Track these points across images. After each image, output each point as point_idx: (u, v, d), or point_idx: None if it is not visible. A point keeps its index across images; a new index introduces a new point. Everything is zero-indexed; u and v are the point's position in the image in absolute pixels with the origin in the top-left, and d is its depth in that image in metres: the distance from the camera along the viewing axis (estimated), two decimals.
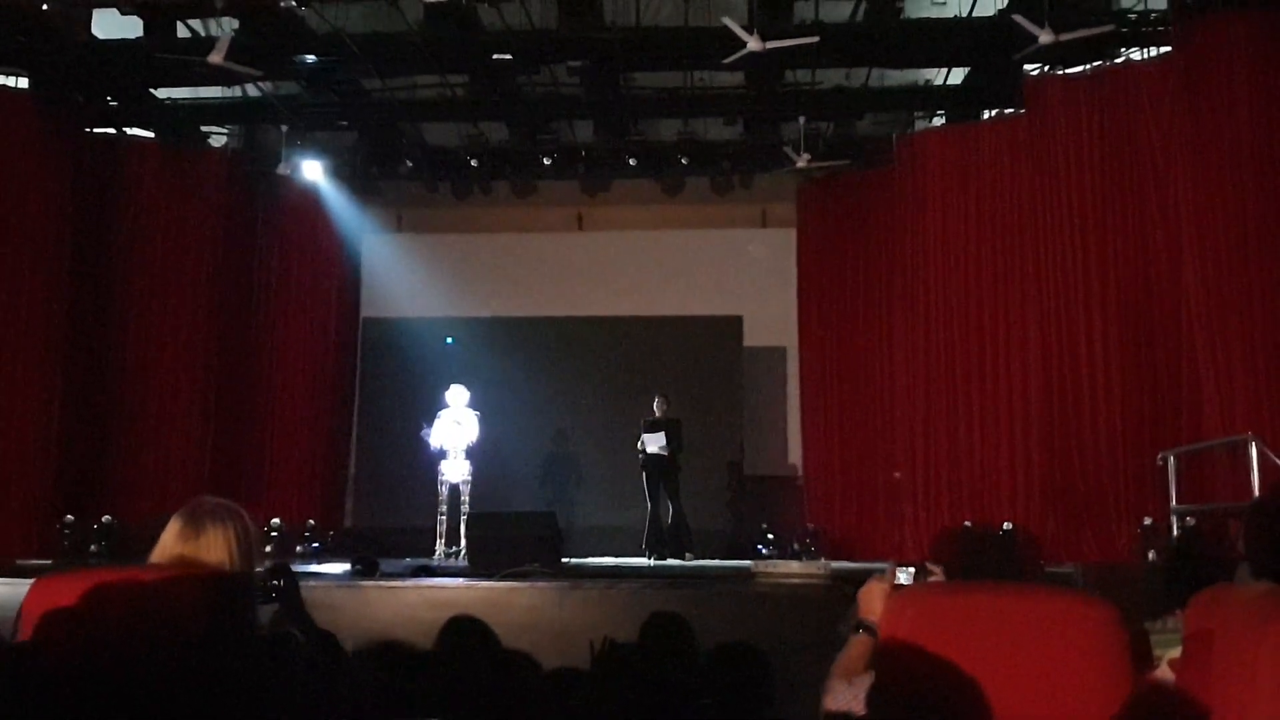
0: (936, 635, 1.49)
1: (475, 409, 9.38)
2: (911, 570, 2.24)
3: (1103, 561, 8.04)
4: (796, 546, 10.36)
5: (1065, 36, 8.09)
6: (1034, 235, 9.34)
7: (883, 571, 2.23)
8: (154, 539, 2.30)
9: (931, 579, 2.24)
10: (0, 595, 5.35)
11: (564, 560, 8.28)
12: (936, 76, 10.34)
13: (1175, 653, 1.84)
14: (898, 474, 10.15)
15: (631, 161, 11.18)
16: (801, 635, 5.07)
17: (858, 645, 2.07)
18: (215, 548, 2.23)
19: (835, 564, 7.85)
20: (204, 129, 11.31)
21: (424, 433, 9.24)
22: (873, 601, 2.12)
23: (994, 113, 10.31)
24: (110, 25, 9.25)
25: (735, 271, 11.91)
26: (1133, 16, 8.70)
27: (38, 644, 1.84)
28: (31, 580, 1.96)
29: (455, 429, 9.30)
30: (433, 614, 4.77)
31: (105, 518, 9.64)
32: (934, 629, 1.50)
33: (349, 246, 12.23)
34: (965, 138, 10.16)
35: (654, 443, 9.54)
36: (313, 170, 11.18)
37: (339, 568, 7.89)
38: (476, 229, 12.30)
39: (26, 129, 9.63)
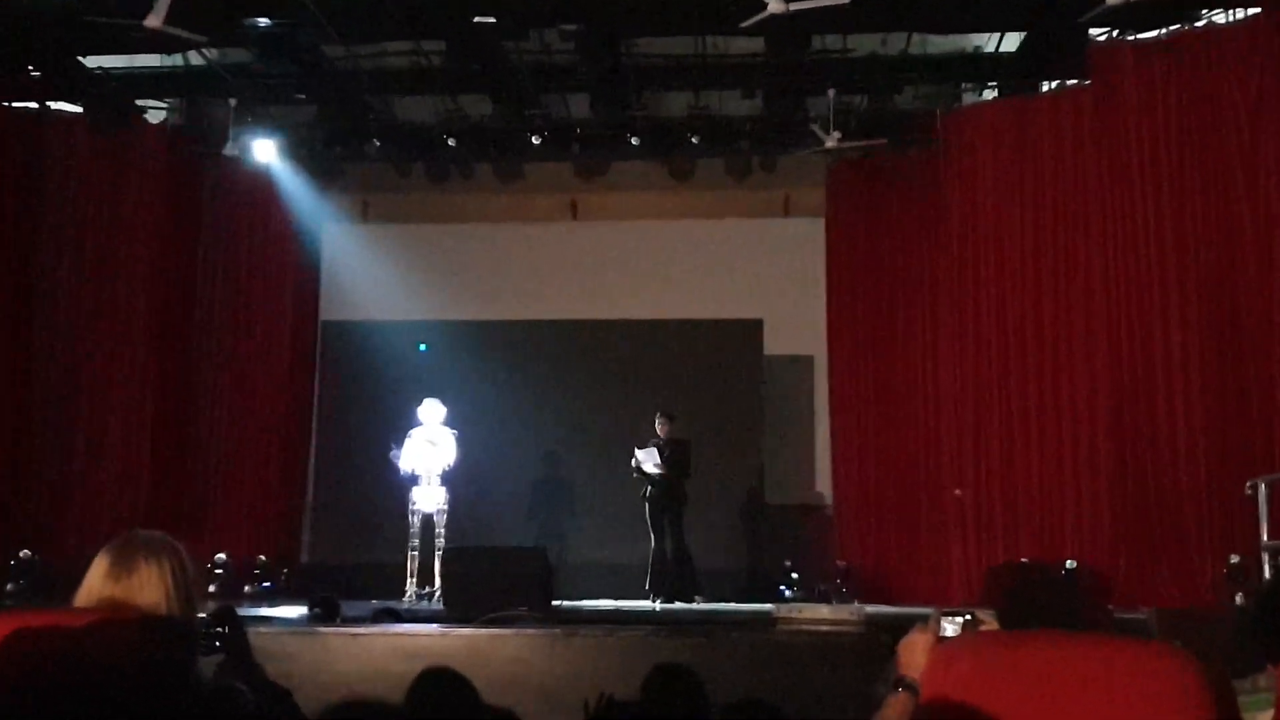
0: (988, 694, 1.48)
1: (452, 427, 9.38)
2: (960, 620, 2.23)
3: (1182, 606, 8.01)
4: (825, 588, 10.33)
5: None
6: (1101, 226, 9.33)
7: (925, 619, 2.22)
8: (79, 578, 2.29)
9: (983, 628, 2.23)
10: None
11: (555, 603, 8.26)
12: (988, 42, 10.35)
13: (1267, 716, 1.83)
14: (958, 491, 10.11)
15: (634, 141, 11.18)
16: (831, 693, 5.05)
17: (897, 706, 2.06)
18: (149, 588, 2.22)
19: (870, 609, 7.82)
20: (140, 103, 11.33)
21: (393, 455, 9.24)
22: (914, 655, 2.11)
23: (1055, 84, 10.32)
24: None
25: (754, 268, 11.91)
26: None
27: None
28: None
29: (429, 450, 9.30)
30: (402, 665, 4.75)
31: (23, 553, 9.63)
32: (985, 687, 1.49)
33: (307, 239, 12.25)
34: (1021, 113, 10.16)
35: (648, 460, 9.54)
36: (265, 150, 11.20)
37: (294, 611, 7.88)
38: (454, 219, 12.30)
39: None
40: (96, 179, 10.82)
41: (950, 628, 2.22)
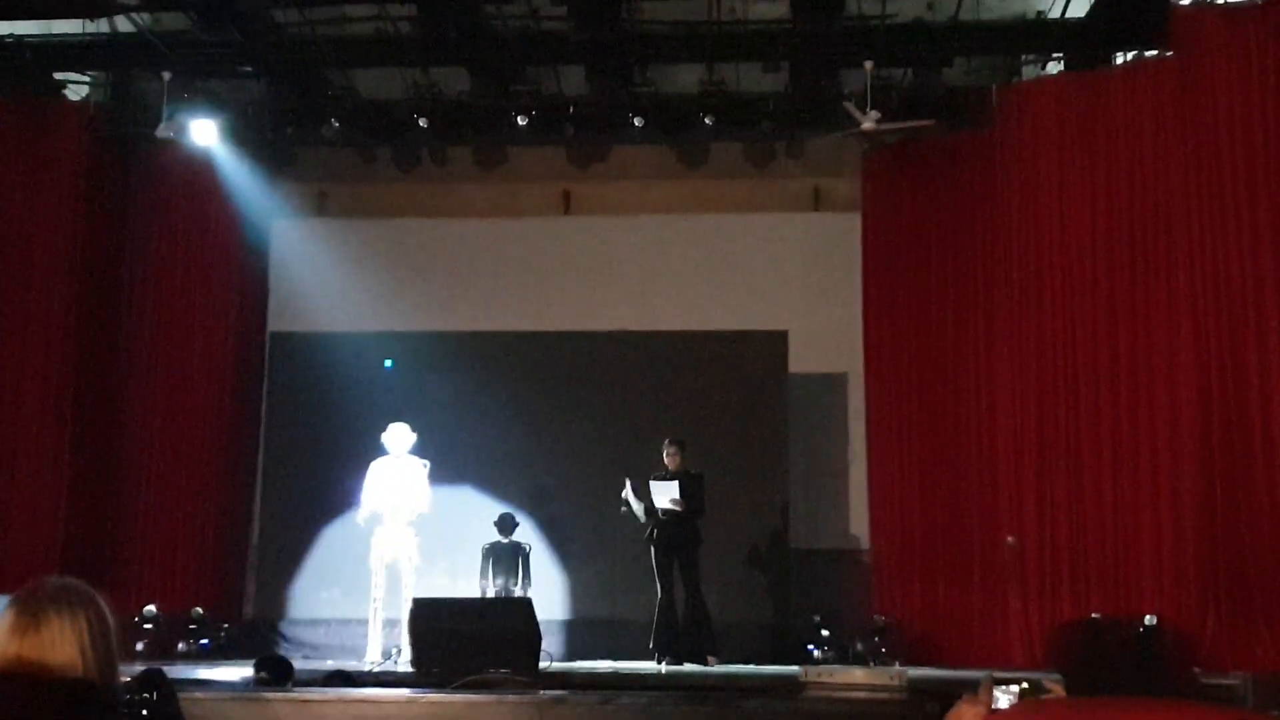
0: None
1: (423, 457, 9.38)
2: (1016, 690, 2.23)
3: None
4: (861, 647, 10.31)
5: None
6: (1186, 221, 9.33)
7: (976, 688, 2.22)
8: None
9: (1047, 698, 2.23)
10: None
11: (543, 665, 8.25)
12: (1052, 7, 10.38)
13: None
14: (1011, 539, 10.11)
15: (637, 121, 11.20)
16: None
17: None
18: (60, 645, 2.22)
19: (914, 672, 7.81)
20: (59, 76, 11.38)
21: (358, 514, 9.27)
22: None
23: (1130, 55, 10.35)
24: None
25: (778, 271, 11.93)
26: None
27: None
28: None
29: (395, 485, 9.29)
30: None
31: None
32: None
33: (253, 236, 12.27)
34: (1091, 89, 10.18)
35: (664, 494, 9.50)
36: (205, 132, 11.22)
37: (236, 672, 7.87)
38: (426, 213, 12.33)
39: None
40: (7, 162, 10.85)
41: (1005, 698, 2.22)
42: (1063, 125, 10.23)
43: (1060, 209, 10.19)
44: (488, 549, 10.25)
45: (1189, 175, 9.33)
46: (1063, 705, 2.06)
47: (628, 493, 9.56)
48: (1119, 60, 10.41)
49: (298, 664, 7.82)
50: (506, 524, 10.33)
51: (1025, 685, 2.24)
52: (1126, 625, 9.07)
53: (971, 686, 2.29)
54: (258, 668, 7.43)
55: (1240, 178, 9.03)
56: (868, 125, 10.47)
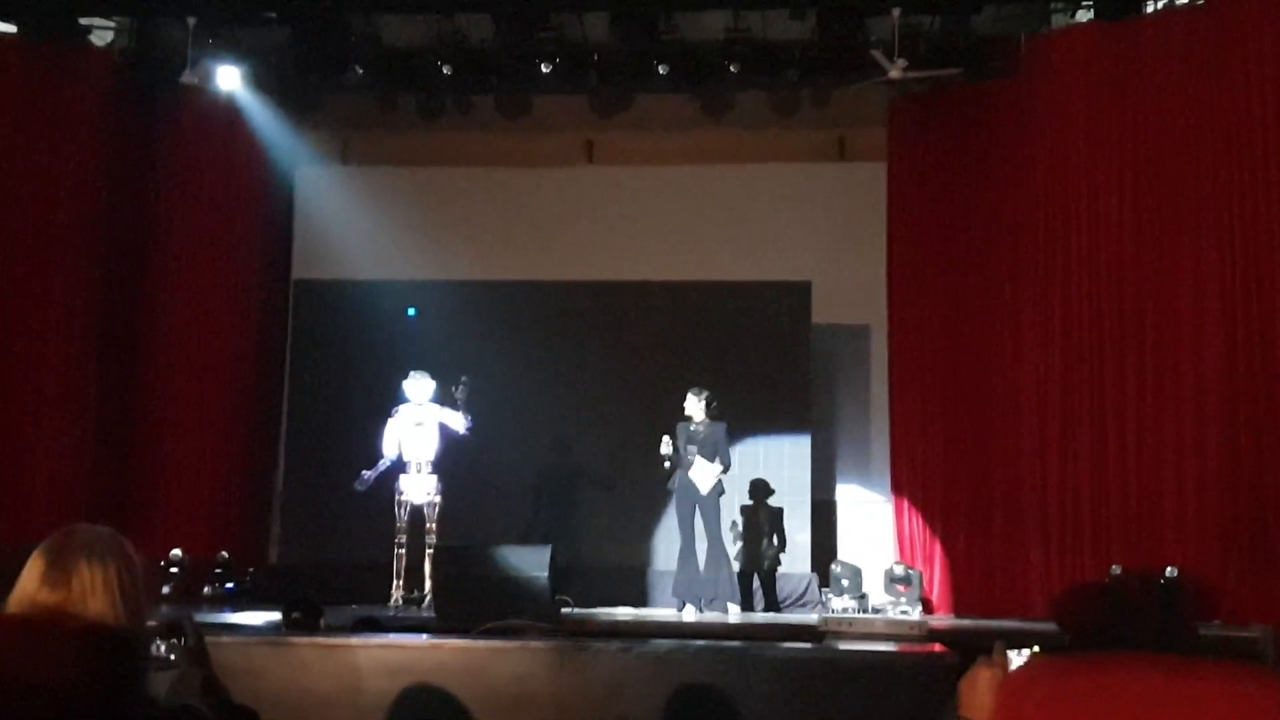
0: None
1: (452, 405, 9.44)
2: (1028, 653, 2.24)
3: None
4: (881, 596, 10.35)
5: None
6: (1216, 174, 9.26)
7: (993, 640, 2.22)
8: (11, 581, 2.32)
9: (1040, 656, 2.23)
10: None
11: (565, 611, 8.31)
12: None
13: None
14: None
15: (661, 69, 11.13)
16: None
17: None
18: (92, 594, 2.25)
19: (935, 619, 7.85)
20: (84, 22, 11.35)
21: (363, 479, 9.34)
22: (978, 695, 2.12)
23: (1161, 3, 10.21)
24: None
25: (802, 222, 11.87)
26: None
27: None
28: None
29: (416, 433, 9.36)
30: (385, 682, 4.80)
31: None
32: (1072, 716, 1.49)
33: (277, 183, 12.28)
34: (1121, 38, 10.07)
35: (705, 478, 9.52)
36: (229, 79, 11.21)
37: (262, 617, 7.95)
38: (449, 161, 12.30)
39: None
40: (31, 109, 10.83)
41: (1018, 660, 2.23)
42: (1092, 75, 10.14)
43: (1088, 160, 10.12)
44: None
45: (1221, 126, 9.26)
46: (1084, 661, 2.06)
47: (666, 448, 9.56)
48: (1149, 9, 10.28)
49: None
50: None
51: (1036, 649, 2.25)
52: (1147, 576, 9.11)
53: (991, 637, 2.30)
54: (289, 610, 7.48)
55: (1271, 129, 8.95)
56: (894, 74, 10.39)
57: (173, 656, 2.69)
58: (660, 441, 9.54)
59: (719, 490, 9.73)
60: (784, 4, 10.87)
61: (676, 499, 9.76)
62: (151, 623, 2.50)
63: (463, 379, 9.55)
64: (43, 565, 2.28)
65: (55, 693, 1.89)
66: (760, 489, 10.73)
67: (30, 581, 2.27)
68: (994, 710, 1.83)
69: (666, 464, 9.62)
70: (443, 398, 9.64)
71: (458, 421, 9.52)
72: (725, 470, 9.72)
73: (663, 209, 12.03)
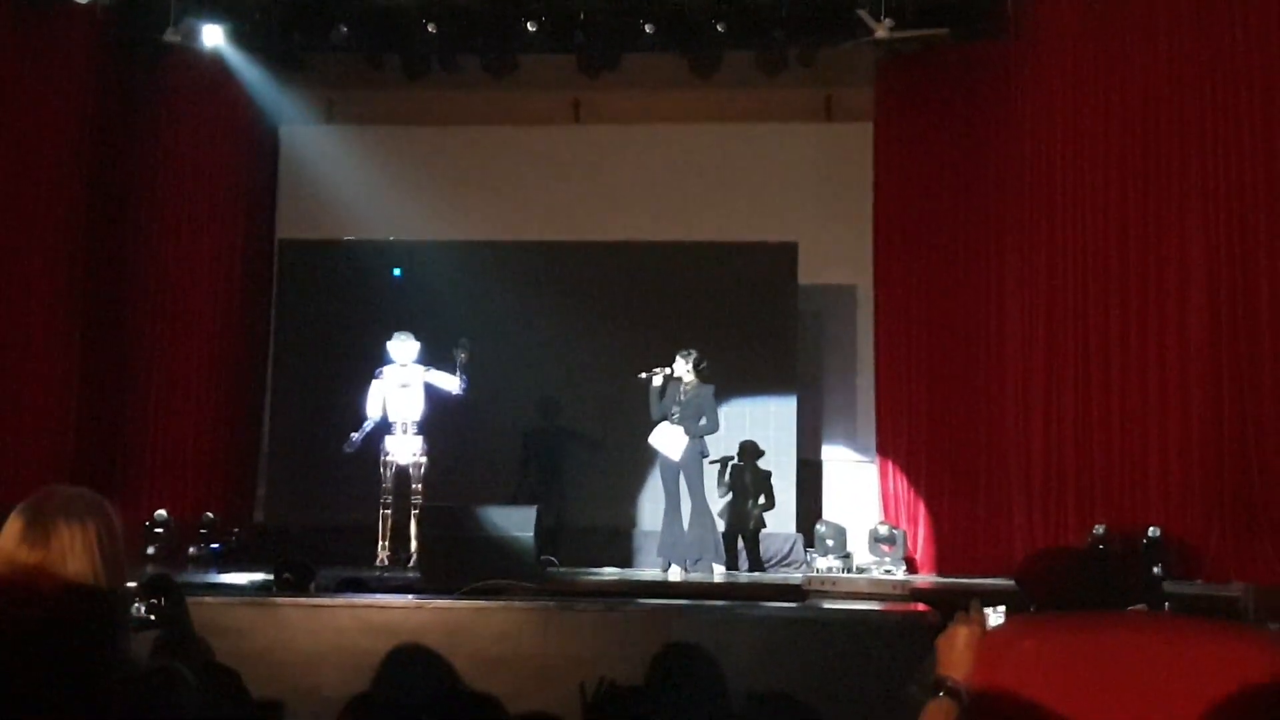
0: (1046, 693, 1.48)
1: (450, 368, 9.43)
2: (1003, 609, 2.24)
3: None
4: (865, 555, 10.41)
5: None
6: (1201, 133, 9.23)
7: (967, 609, 2.21)
8: None
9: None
10: None
11: (550, 571, 8.33)
12: None
13: None
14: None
15: (648, 28, 11.07)
16: (868, 684, 5.09)
17: (936, 715, 2.05)
18: (71, 554, 2.24)
19: (917, 579, 7.89)
20: None
21: (351, 441, 9.32)
22: (955, 653, 2.10)
23: None
24: None
25: (789, 182, 11.85)
26: None
27: None
28: None
29: (400, 394, 9.35)
30: (370, 642, 4.80)
31: None
32: (1043, 684, 1.49)
33: (261, 142, 12.20)
34: None
35: (673, 443, 9.53)
36: (213, 36, 11.11)
37: (246, 577, 7.96)
38: (435, 120, 12.23)
39: None
40: (12, 68, 10.73)
41: (995, 617, 2.22)
42: (1079, 35, 10.09)
43: (1075, 120, 10.09)
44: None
45: (1207, 85, 9.22)
46: (1064, 618, 2.06)
47: (658, 380, 9.58)
48: None
49: None
50: None
51: (1003, 608, 2.25)
52: (1128, 537, 9.16)
53: (973, 596, 2.30)
54: (279, 571, 7.48)
55: (1256, 88, 8.92)
56: (881, 33, 10.35)
57: (153, 617, 2.69)
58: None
59: (702, 452, 9.73)
60: None
61: (660, 461, 9.77)
62: (131, 584, 2.49)
63: (462, 341, 9.54)
64: (21, 525, 2.27)
65: (33, 651, 1.88)
66: (749, 451, 10.75)
67: (9, 541, 2.26)
68: (972, 668, 1.83)
69: (657, 379, 9.64)
70: (434, 359, 9.62)
71: (451, 383, 9.52)
72: (712, 432, 9.72)
73: (649, 169, 12.00)
